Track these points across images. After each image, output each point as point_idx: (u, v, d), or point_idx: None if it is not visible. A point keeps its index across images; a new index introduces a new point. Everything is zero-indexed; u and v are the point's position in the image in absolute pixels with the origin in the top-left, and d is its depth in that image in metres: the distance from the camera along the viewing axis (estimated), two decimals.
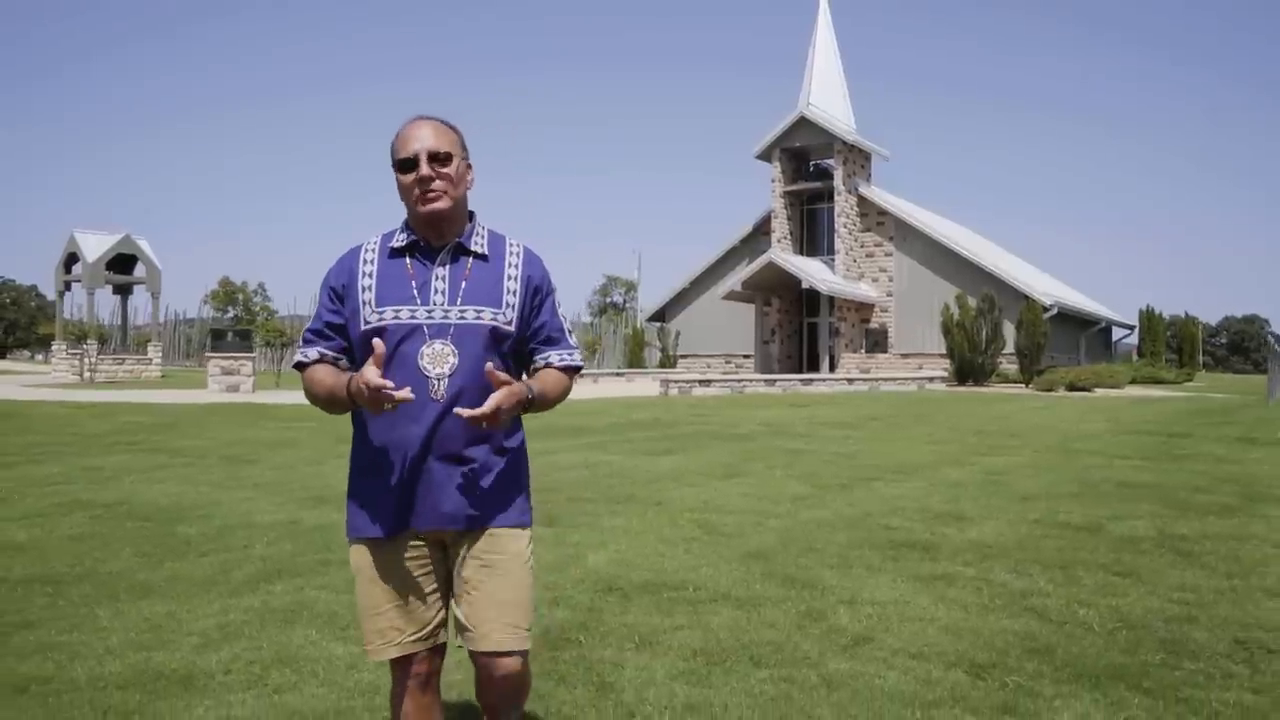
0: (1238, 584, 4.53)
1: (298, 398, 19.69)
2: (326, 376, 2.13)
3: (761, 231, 34.19)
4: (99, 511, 6.58)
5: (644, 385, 26.04)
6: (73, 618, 4.02)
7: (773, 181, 32.99)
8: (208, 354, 23.40)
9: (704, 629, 3.82)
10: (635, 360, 38.24)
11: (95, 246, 30.42)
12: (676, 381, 23.39)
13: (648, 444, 10.98)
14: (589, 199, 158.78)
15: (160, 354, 32.24)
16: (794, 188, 33.00)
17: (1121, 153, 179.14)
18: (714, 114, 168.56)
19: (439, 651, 2.20)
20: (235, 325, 31.93)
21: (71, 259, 31.08)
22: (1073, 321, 33.91)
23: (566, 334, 2.28)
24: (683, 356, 36.13)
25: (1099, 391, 25.19)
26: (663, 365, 36.10)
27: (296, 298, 67.97)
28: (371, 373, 1.93)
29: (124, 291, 34.15)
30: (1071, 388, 25.23)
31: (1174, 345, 43.83)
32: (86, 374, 27.83)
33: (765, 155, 33.16)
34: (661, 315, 37.78)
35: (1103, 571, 4.77)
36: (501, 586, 2.10)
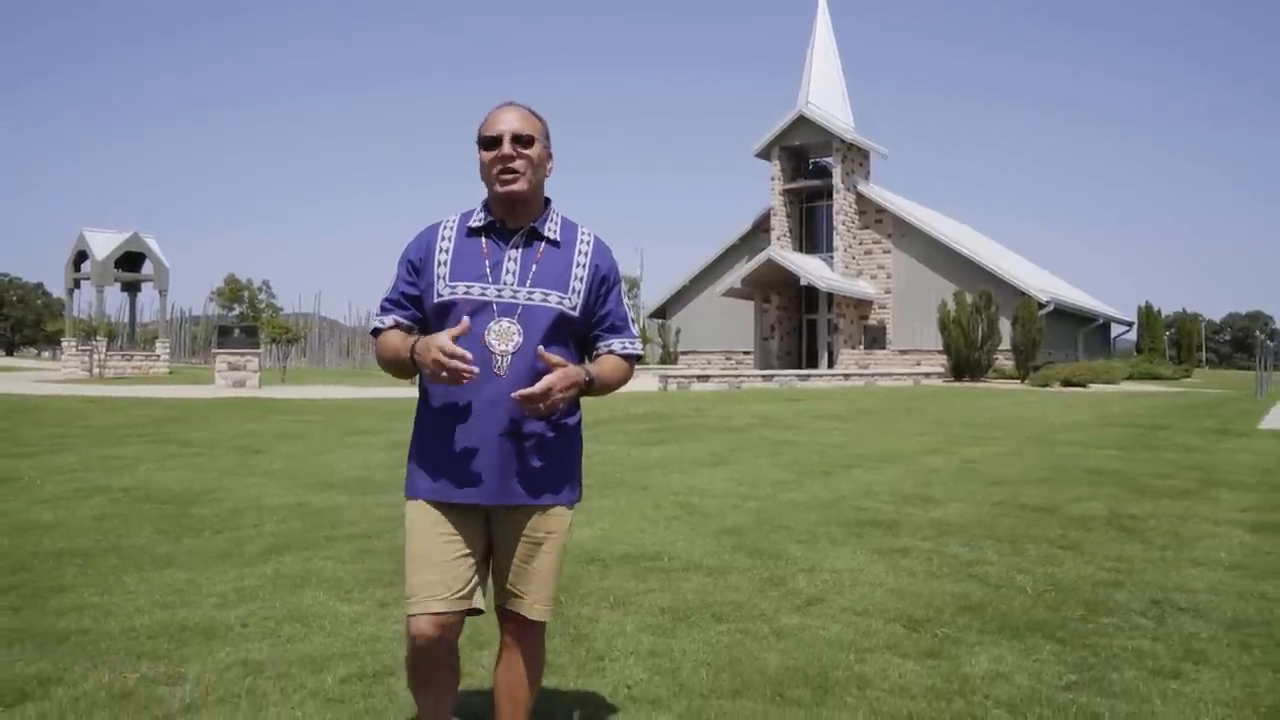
0: (1169, 555, 4.92)
1: (304, 393, 20.13)
2: (395, 339, 2.23)
3: (761, 229, 34.57)
4: (117, 495, 6.97)
5: (645, 381, 26.39)
6: (102, 584, 4.41)
7: (772, 179, 33.37)
8: (214, 350, 23.83)
9: (674, 592, 4.21)
10: None
11: (104, 244, 30.85)
12: (675, 377, 23.77)
13: (642, 435, 11.37)
14: (592, 197, 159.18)
15: (168, 350, 32.70)
16: (793, 186, 33.38)
17: (1126, 150, 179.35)
18: (716, 112, 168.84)
19: (468, 612, 2.27)
20: (241, 322, 32.37)
21: (81, 257, 31.52)
22: (1071, 318, 34.24)
23: (630, 323, 2.36)
24: (684, 353, 36.52)
25: (1093, 387, 25.54)
26: (664, 361, 36.50)
27: (301, 296, 68.28)
28: (446, 339, 2.04)
29: (132, 289, 34.62)
30: (1067, 383, 25.58)
31: (1175, 341, 44.10)
32: (96, 370, 28.30)
33: (764, 153, 33.55)
34: (663, 312, 38.18)
35: (1048, 545, 5.16)
36: (546, 563, 2.25)
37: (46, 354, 70.54)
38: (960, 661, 3.29)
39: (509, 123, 2.19)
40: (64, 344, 31.15)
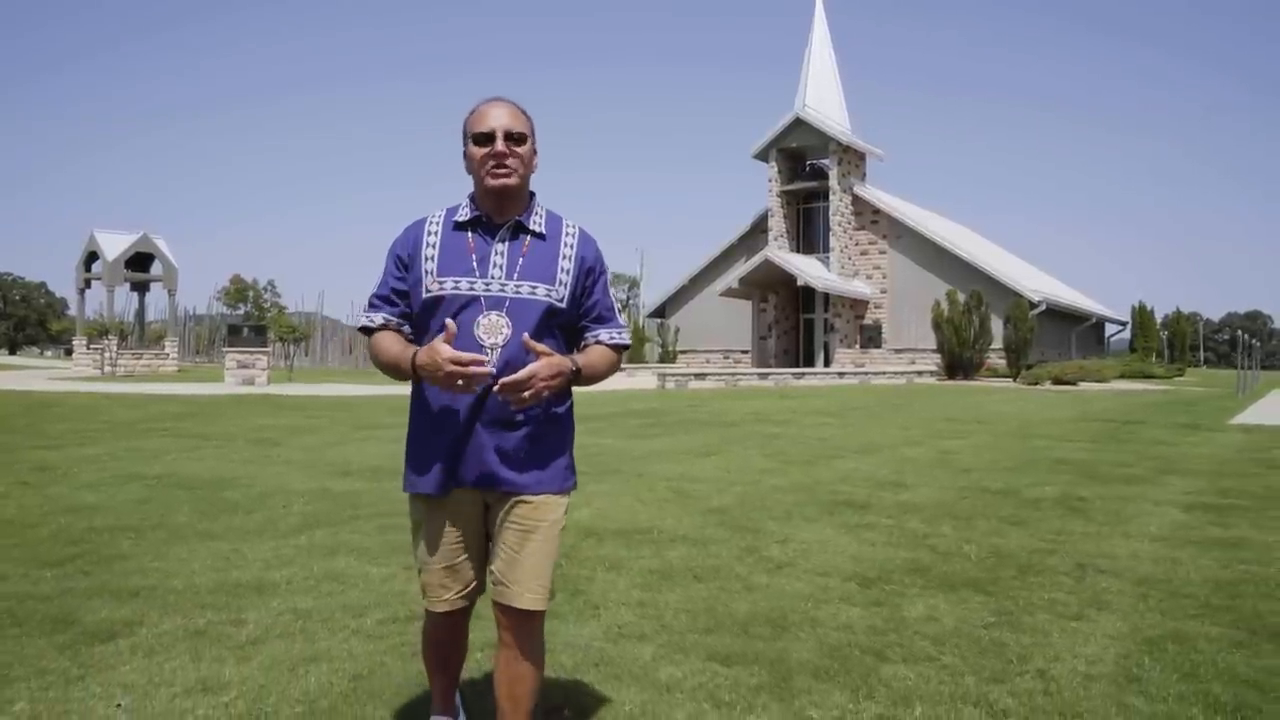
0: (1105, 529, 5.51)
1: (312, 390, 20.73)
2: (393, 345, 2.26)
3: (759, 230, 35.18)
4: (151, 481, 7.53)
5: (644, 379, 26.97)
6: (156, 553, 4.99)
7: (770, 181, 33.97)
8: (224, 348, 24.42)
9: (661, 559, 4.79)
10: (636, 355, 39.19)
11: (115, 245, 31.50)
12: (673, 375, 24.33)
13: (640, 429, 11.95)
14: (592, 197, 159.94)
15: (177, 349, 33.32)
16: (790, 187, 33.98)
17: (1126, 150, 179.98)
18: (716, 113, 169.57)
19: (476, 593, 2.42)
20: (248, 321, 32.96)
21: (92, 257, 32.16)
22: (1064, 318, 34.79)
23: (616, 313, 2.39)
24: (682, 352, 37.12)
25: (1083, 385, 26.08)
26: (663, 360, 37.06)
27: (303, 295, 68.79)
28: (447, 349, 2.06)
29: (140, 288, 35.25)
30: (1057, 382, 26.12)
31: (1170, 341, 44.63)
32: (107, 368, 28.90)
33: (762, 155, 34.15)
34: (662, 312, 38.79)
35: (998, 521, 5.76)
36: (537, 552, 2.24)
37: (50, 352, 71.12)
38: (900, 608, 3.89)
39: (501, 119, 2.21)
40: (75, 342, 31.76)
